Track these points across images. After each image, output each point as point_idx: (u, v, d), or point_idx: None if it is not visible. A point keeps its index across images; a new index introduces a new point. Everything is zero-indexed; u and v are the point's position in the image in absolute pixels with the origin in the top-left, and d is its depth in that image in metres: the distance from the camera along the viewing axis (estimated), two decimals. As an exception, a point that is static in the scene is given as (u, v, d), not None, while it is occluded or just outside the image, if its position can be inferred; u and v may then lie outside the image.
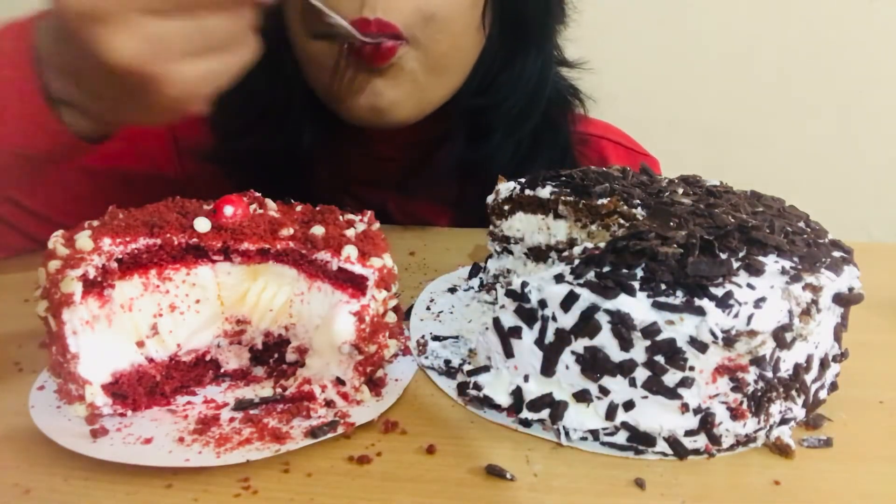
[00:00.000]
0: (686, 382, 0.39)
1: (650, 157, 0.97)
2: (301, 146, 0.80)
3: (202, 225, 0.46)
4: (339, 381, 0.45)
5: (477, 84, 0.78)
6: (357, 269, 0.45)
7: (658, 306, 0.39)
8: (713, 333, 0.38)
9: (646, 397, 0.40)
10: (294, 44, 0.73)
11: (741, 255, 0.43)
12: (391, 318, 0.47)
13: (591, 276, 0.41)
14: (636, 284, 0.40)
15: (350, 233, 0.48)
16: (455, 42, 0.72)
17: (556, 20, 0.81)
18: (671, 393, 0.40)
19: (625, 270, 0.41)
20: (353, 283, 0.45)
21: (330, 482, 0.38)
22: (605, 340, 0.40)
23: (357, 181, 0.89)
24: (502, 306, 0.43)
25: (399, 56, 0.68)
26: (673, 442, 0.41)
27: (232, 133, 0.80)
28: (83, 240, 0.42)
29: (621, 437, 0.41)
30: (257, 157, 0.81)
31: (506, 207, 0.61)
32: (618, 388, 0.41)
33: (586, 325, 0.40)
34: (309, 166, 0.84)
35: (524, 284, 0.42)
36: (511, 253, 0.63)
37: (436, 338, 0.54)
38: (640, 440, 0.41)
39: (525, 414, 0.43)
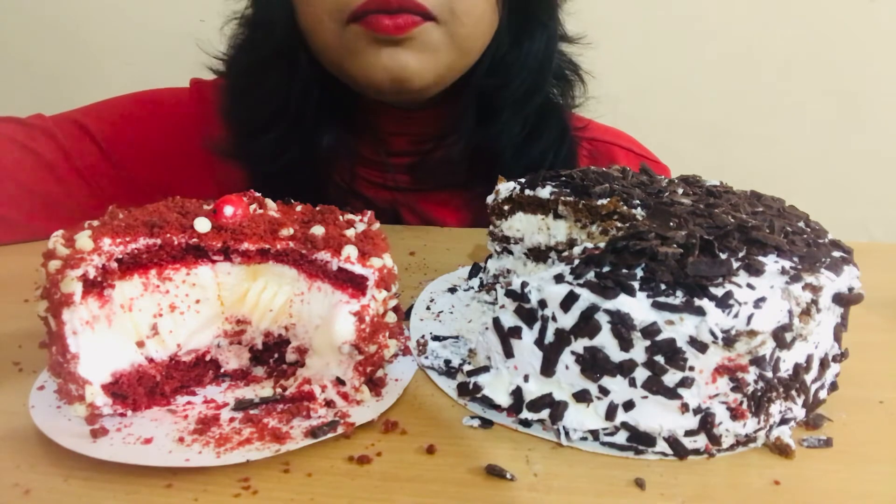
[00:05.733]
0: (686, 382, 0.39)
1: (660, 164, 0.97)
2: (318, 142, 0.81)
3: (202, 225, 0.46)
4: (339, 381, 0.45)
5: (488, 64, 0.79)
6: (357, 269, 0.45)
7: (658, 306, 0.39)
8: (713, 333, 0.38)
9: (646, 397, 0.40)
10: (310, 31, 0.74)
11: (741, 255, 0.43)
12: (391, 318, 0.47)
13: (590, 276, 0.41)
14: (636, 284, 0.40)
15: (350, 233, 0.48)
16: (477, 23, 0.74)
17: None
18: (671, 393, 0.40)
19: (625, 270, 0.41)
20: (353, 283, 0.45)
21: (330, 482, 0.38)
22: (605, 340, 0.40)
23: (369, 182, 0.89)
24: (502, 306, 0.43)
25: (421, 30, 0.70)
26: (673, 442, 0.41)
27: (250, 130, 0.81)
28: (83, 240, 0.42)
29: (621, 437, 0.41)
30: (273, 155, 0.81)
31: (506, 207, 0.61)
32: (618, 388, 0.41)
33: (586, 325, 0.40)
34: (323, 166, 0.84)
35: (524, 284, 0.42)
36: (511, 253, 0.63)
37: (436, 338, 0.54)
38: (640, 440, 0.41)
39: (525, 414, 0.43)
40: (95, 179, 0.85)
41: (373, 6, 0.67)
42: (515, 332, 0.43)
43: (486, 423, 0.44)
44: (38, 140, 0.83)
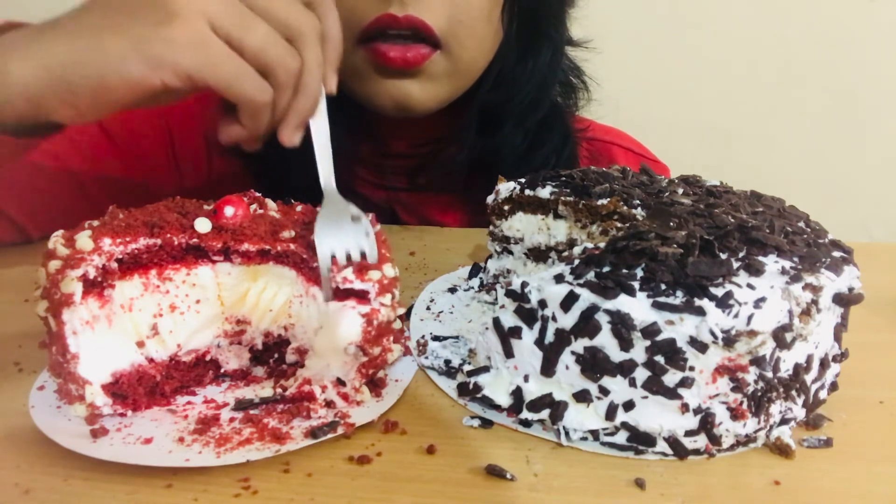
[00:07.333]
0: (686, 382, 0.39)
1: (660, 164, 0.98)
2: None
3: (202, 225, 0.46)
4: (340, 382, 0.45)
5: (492, 79, 0.80)
6: (356, 285, 0.44)
7: (658, 306, 0.39)
8: (713, 333, 0.38)
9: (646, 397, 0.40)
10: None
11: (741, 255, 0.43)
12: (397, 324, 0.47)
13: (591, 276, 0.41)
14: (636, 284, 0.40)
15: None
16: (479, 45, 0.75)
17: (569, 5, 0.82)
18: (671, 393, 0.40)
19: (625, 270, 0.41)
20: (354, 295, 0.45)
21: (330, 482, 0.38)
22: (605, 340, 0.40)
23: (366, 181, 0.89)
24: (502, 306, 0.43)
25: (429, 63, 0.71)
26: (673, 442, 0.41)
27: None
28: (83, 240, 0.42)
29: (621, 438, 0.41)
30: (272, 151, 0.81)
31: (506, 208, 0.61)
32: (618, 388, 0.41)
33: (586, 325, 0.40)
34: None
35: (524, 284, 0.42)
36: (511, 253, 0.63)
37: (436, 338, 0.54)
38: (640, 440, 0.41)
39: (525, 414, 0.43)
40: (102, 163, 0.85)
41: (382, 23, 0.68)
42: (515, 332, 0.43)
43: (486, 423, 0.44)
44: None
